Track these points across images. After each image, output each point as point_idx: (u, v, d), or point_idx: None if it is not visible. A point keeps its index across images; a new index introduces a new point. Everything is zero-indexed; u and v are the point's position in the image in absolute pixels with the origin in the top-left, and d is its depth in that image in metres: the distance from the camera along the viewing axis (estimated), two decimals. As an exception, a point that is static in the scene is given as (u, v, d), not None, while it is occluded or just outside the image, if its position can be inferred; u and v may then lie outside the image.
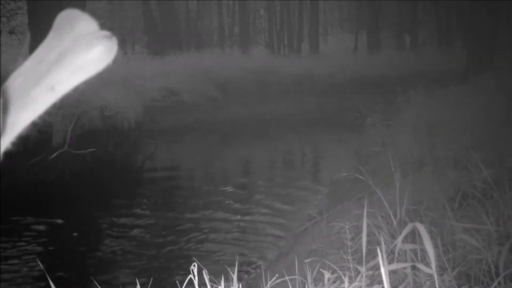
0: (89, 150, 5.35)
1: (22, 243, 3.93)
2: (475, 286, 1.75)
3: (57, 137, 5.53)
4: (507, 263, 1.71)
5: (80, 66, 0.27)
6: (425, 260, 1.75)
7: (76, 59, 0.27)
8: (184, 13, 18.36)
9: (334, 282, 1.75)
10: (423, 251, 1.72)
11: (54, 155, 5.22)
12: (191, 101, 9.96)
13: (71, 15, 0.28)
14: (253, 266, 3.49)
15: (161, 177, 6.36)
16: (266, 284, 1.63)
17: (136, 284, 1.40)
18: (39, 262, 2.55)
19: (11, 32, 14.07)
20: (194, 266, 1.33)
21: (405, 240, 1.88)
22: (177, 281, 1.45)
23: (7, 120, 0.26)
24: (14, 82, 0.27)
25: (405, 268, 1.80)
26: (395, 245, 1.83)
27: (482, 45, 9.17)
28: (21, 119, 0.26)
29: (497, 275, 1.72)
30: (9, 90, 0.27)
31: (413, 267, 1.78)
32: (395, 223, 2.25)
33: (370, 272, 1.77)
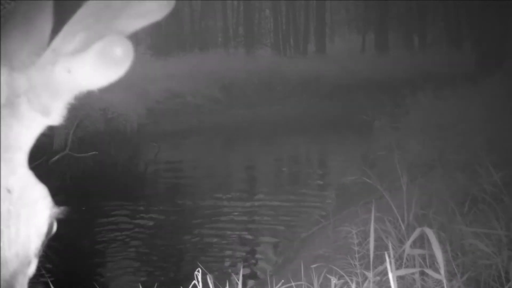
0: (91, 153, 5.32)
1: None
2: (485, 292, 1.72)
3: (59, 140, 5.51)
4: (517, 269, 1.68)
5: (143, 12, 0.30)
6: (433, 265, 1.72)
7: (140, 6, 0.30)
8: (188, 13, 18.39)
9: (341, 287, 1.73)
10: (432, 256, 1.70)
11: (55, 158, 5.18)
12: (195, 103, 9.96)
13: None
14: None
15: (164, 180, 6.35)
16: (272, 289, 1.62)
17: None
18: (42, 269, 2.55)
19: (11, 32, 14.25)
20: (198, 271, 1.32)
21: (413, 245, 1.86)
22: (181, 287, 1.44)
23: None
24: (84, 21, 0.29)
25: (413, 273, 1.78)
26: (403, 250, 1.81)
27: (492, 46, 9.08)
28: (91, 49, 0.28)
29: (507, 280, 1.69)
30: (81, 25, 0.29)
31: (422, 273, 1.75)
32: (403, 227, 2.22)
33: (378, 278, 1.75)
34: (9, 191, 0.29)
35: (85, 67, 0.28)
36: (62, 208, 0.32)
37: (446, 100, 5.90)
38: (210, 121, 9.44)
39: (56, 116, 0.30)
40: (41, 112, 0.29)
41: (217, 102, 10.30)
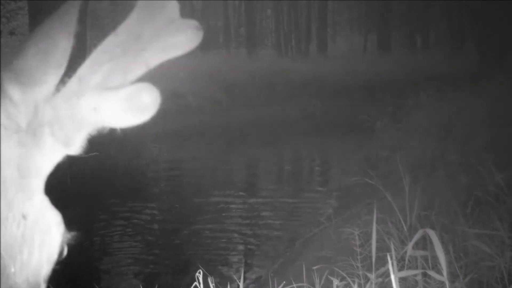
0: (92, 153, 5.31)
1: None
2: (488, 294, 1.72)
3: (58, 140, 5.51)
4: (521, 271, 1.67)
5: (172, 45, 0.30)
6: (436, 267, 1.72)
7: (170, 39, 0.30)
8: (188, 13, 18.39)
9: (343, 289, 1.73)
10: (434, 257, 1.69)
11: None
12: (196, 104, 9.94)
13: None
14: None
15: (164, 181, 6.33)
16: (274, 291, 1.62)
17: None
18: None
19: (11, 33, 14.10)
20: (200, 273, 1.32)
21: (416, 246, 1.85)
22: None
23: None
24: (114, 51, 0.30)
25: (415, 275, 1.77)
26: (406, 252, 1.81)
27: (495, 46, 9.05)
28: (112, 83, 0.29)
29: (510, 282, 1.68)
30: (108, 59, 0.29)
31: (424, 274, 1.75)
32: (405, 229, 2.22)
33: (380, 279, 1.75)
34: (24, 216, 0.29)
35: (111, 108, 0.28)
36: (73, 233, 0.32)
37: (449, 101, 5.88)
38: (211, 122, 9.42)
39: (77, 147, 0.30)
40: (63, 143, 0.30)
41: (218, 103, 10.28)
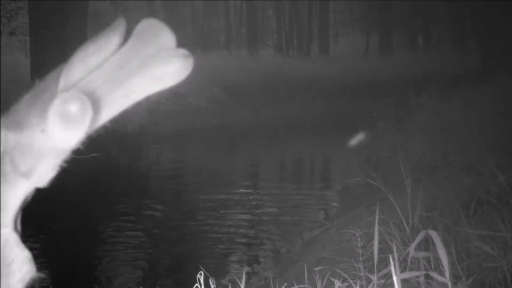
0: (92, 155, 5.30)
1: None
2: (490, 296, 1.71)
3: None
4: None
5: (157, 78, 0.28)
6: (438, 268, 1.71)
7: (155, 71, 0.28)
8: (190, 13, 18.36)
9: (344, 291, 1.72)
10: (437, 259, 1.68)
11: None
12: (197, 104, 9.92)
13: (153, 26, 0.29)
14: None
15: (166, 183, 6.32)
16: (275, 292, 1.61)
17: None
18: (43, 273, 2.54)
19: (11, 33, 14.06)
20: (201, 274, 1.32)
21: (418, 247, 1.84)
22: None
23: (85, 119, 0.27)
24: (95, 82, 0.28)
25: (418, 276, 1.76)
26: (408, 253, 1.80)
27: (496, 46, 9.03)
28: (96, 121, 0.28)
29: (514, 284, 1.67)
30: (88, 90, 0.28)
31: (427, 276, 1.74)
32: (407, 230, 2.21)
33: (382, 281, 1.74)
34: None
35: (51, 127, 0.27)
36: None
37: (451, 101, 5.87)
38: (213, 122, 9.41)
39: (41, 179, 0.28)
40: (23, 173, 0.28)
41: (219, 103, 10.27)
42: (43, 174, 0.28)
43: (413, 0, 18.37)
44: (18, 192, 0.29)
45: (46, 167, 0.28)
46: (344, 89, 11.36)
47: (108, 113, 0.28)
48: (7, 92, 6.93)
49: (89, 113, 0.27)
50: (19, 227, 0.30)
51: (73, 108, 0.26)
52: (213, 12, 19.82)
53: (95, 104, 0.28)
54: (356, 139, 5.67)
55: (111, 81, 0.28)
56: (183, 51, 0.29)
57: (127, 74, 0.28)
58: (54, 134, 0.27)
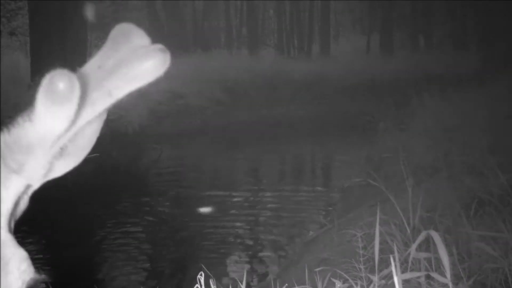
0: (92, 155, 5.28)
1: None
2: (491, 297, 1.70)
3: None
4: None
5: (135, 75, 0.29)
6: (439, 269, 1.71)
7: (132, 68, 0.29)
8: (190, 13, 18.31)
9: (345, 291, 1.72)
10: (438, 259, 1.68)
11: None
12: (198, 104, 9.90)
13: (126, 29, 0.30)
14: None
15: (166, 183, 6.32)
16: (276, 293, 1.61)
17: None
18: (42, 273, 2.53)
19: (11, 33, 14.05)
20: (201, 275, 1.31)
21: (419, 248, 1.84)
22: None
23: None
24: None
25: (419, 277, 1.76)
26: (409, 254, 1.80)
27: (498, 46, 9.01)
28: (80, 119, 0.28)
29: (515, 285, 1.67)
30: None
31: (427, 276, 1.74)
32: (408, 230, 2.21)
33: (383, 282, 1.74)
34: None
35: (39, 109, 0.27)
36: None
37: (452, 102, 5.86)
38: (213, 123, 9.40)
39: (32, 174, 0.28)
40: (14, 170, 0.28)
41: (220, 103, 10.26)
42: (34, 170, 0.28)
43: (414, 0, 18.35)
44: (10, 192, 0.28)
45: (36, 161, 0.28)
46: (345, 90, 11.35)
47: (91, 112, 0.29)
48: (7, 92, 6.94)
49: (77, 90, 0.26)
50: (12, 225, 0.30)
51: (61, 84, 0.26)
52: (214, 12, 19.81)
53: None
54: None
55: (91, 81, 0.28)
56: (159, 46, 0.29)
57: (106, 74, 0.28)
58: (41, 118, 0.26)
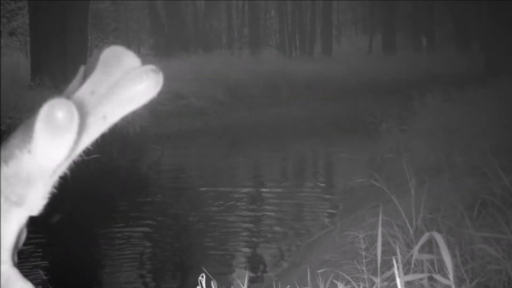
0: (93, 156, 5.27)
1: (24, 255, 3.93)
2: (495, 299, 1.69)
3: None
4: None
5: (129, 98, 0.29)
6: (442, 270, 1.70)
7: (126, 92, 0.29)
8: (191, 13, 18.30)
9: (347, 293, 1.71)
10: (441, 261, 1.67)
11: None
12: (199, 105, 9.89)
13: (116, 51, 0.30)
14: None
15: (167, 184, 6.31)
16: (278, 294, 1.60)
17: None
18: (42, 274, 2.53)
19: (11, 33, 14.07)
20: (202, 277, 1.31)
21: (422, 249, 1.83)
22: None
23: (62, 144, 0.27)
24: None
25: (421, 279, 1.75)
26: (411, 255, 1.79)
27: (501, 47, 8.98)
28: (77, 146, 0.28)
29: (518, 287, 1.66)
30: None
31: (430, 278, 1.73)
32: (411, 232, 2.20)
33: (385, 283, 1.73)
34: None
35: (38, 141, 0.26)
36: None
37: (455, 102, 5.84)
38: (215, 123, 9.39)
39: (33, 206, 0.28)
40: (15, 202, 0.28)
41: (221, 104, 10.25)
42: (35, 201, 0.28)
43: (416, 0, 18.31)
44: (12, 225, 0.28)
45: (37, 193, 0.28)
46: (347, 90, 11.33)
47: (87, 138, 0.28)
48: (7, 92, 6.94)
49: (76, 119, 0.26)
50: (16, 258, 0.30)
51: (60, 114, 0.26)
52: (215, 12, 19.81)
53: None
54: None
55: (85, 108, 0.28)
56: (151, 67, 0.29)
57: (99, 99, 0.28)
58: (41, 149, 0.26)
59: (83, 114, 0.28)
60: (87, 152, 0.31)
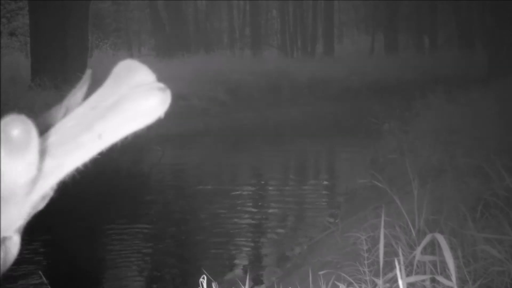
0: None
1: (23, 256, 3.93)
2: (498, 300, 1.68)
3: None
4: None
5: (133, 116, 0.27)
6: (445, 272, 1.69)
7: (130, 108, 0.27)
8: (192, 13, 18.30)
9: (349, 294, 1.70)
10: (443, 262, 1.67)
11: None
12: (200, 105, 9.87)
13: (131, 66, 0.28)
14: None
15: (168, 185, 6.31)
16: (279, 296, 1.60)
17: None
18: (43, 276, 2.53)
19: (11, 33, 14.08)
20: (204, 278, 1.31)
21: (424, 251, 1.83)
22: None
23: (47, 163, 0.26)
24: (66, 125, 0.27)
25: (424, 280, 1.74)
26: (414, 257, 1.78)
27: (504, 47, 8.95)
28: (66, 164, 0.26)
29: (521, 289, 1.65)
30: (59, 133, 0.27)
31: (433, 280, 1.72)
32: (413, 233, 2.19)
33: (388, 285, 1.72)
34: None
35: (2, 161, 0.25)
36: None
37: (457, 103, 5.83)
38: (216, 124, 9.39)
39: (7, 227, 0.26)
40: None
41: (222, 105, 10.24)
42: (8, 223, 0.26)
43: (418, 0, 18.27)
44: None
45: (10, 214, 0.26)
46: (349, 90, 11.32)
47: (79, 156, 0.26)
48: (7, 92, 6.95)
49: (34, 137, 0.24)
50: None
51: (15, 131, 0.24)
52: (217, 12, 19.82)
53: (63, 147, 0.26)
54: None
55: (81, 123, 0.26)
56: (158, 85, 0.27)
57: (98, 116, 0.27)
58: (3, 169, 0.25)
59: (78, 130, 0.26)
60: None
